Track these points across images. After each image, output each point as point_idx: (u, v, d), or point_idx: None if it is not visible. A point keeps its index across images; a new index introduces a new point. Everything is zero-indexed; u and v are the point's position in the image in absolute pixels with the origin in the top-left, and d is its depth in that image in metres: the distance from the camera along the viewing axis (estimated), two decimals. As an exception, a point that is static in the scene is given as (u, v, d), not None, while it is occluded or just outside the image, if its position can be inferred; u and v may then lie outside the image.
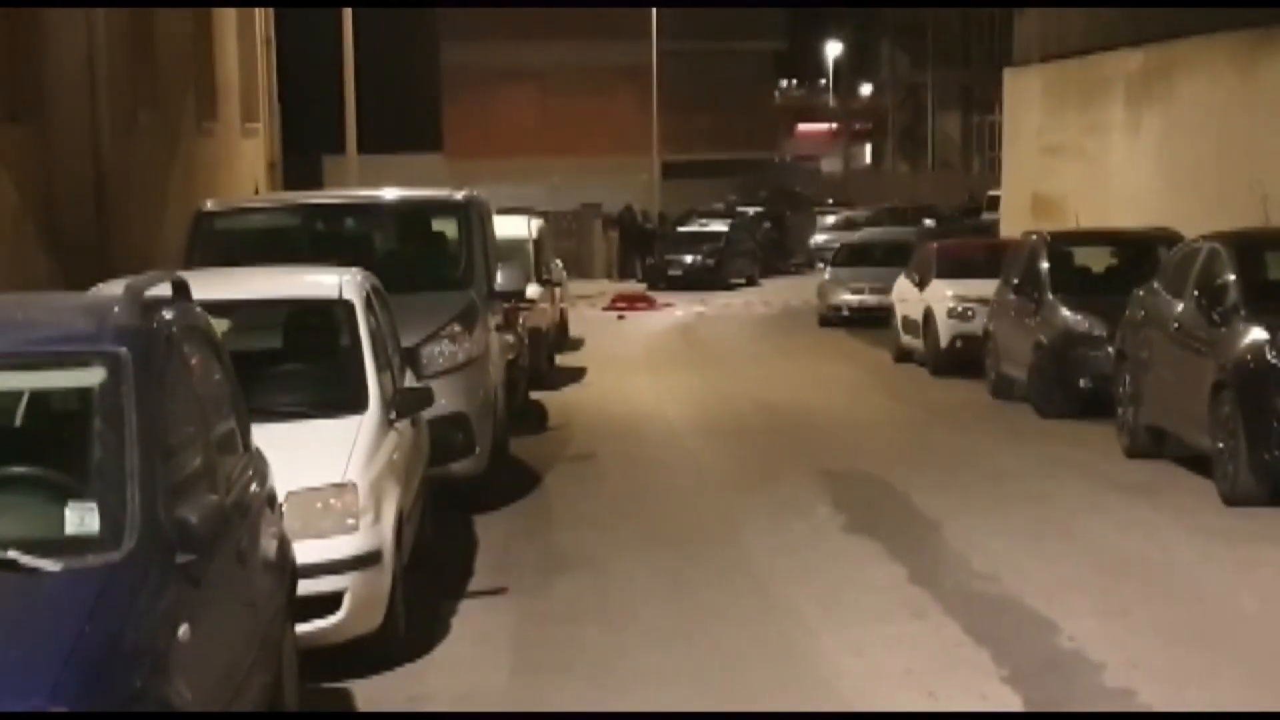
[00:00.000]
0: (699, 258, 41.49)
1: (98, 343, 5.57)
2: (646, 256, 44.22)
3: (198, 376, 6.34)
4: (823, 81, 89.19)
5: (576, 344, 26.70)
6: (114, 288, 8.52)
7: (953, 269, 21.92)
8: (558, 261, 27.40)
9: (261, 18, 25.68)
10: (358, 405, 8.86)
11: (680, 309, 34.63)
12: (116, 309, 5.82)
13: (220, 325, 8.69)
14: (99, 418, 5.38)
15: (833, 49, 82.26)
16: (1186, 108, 22.37)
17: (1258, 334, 11.75)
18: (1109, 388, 14.91)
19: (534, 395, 18.95)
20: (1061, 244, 18.38)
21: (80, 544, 5.05)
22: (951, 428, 16.55)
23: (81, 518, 5.15)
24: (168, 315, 6.15)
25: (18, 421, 5.84)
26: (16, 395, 5.79)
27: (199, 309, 6.77)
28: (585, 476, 14.11)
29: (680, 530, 11.59)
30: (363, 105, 27.80)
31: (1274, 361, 11.50)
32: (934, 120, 70.51)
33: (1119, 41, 25.20)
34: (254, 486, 6.73)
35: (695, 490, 13.39)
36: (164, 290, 6.42)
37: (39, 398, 5.85)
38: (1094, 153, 25.78)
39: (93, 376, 5.48)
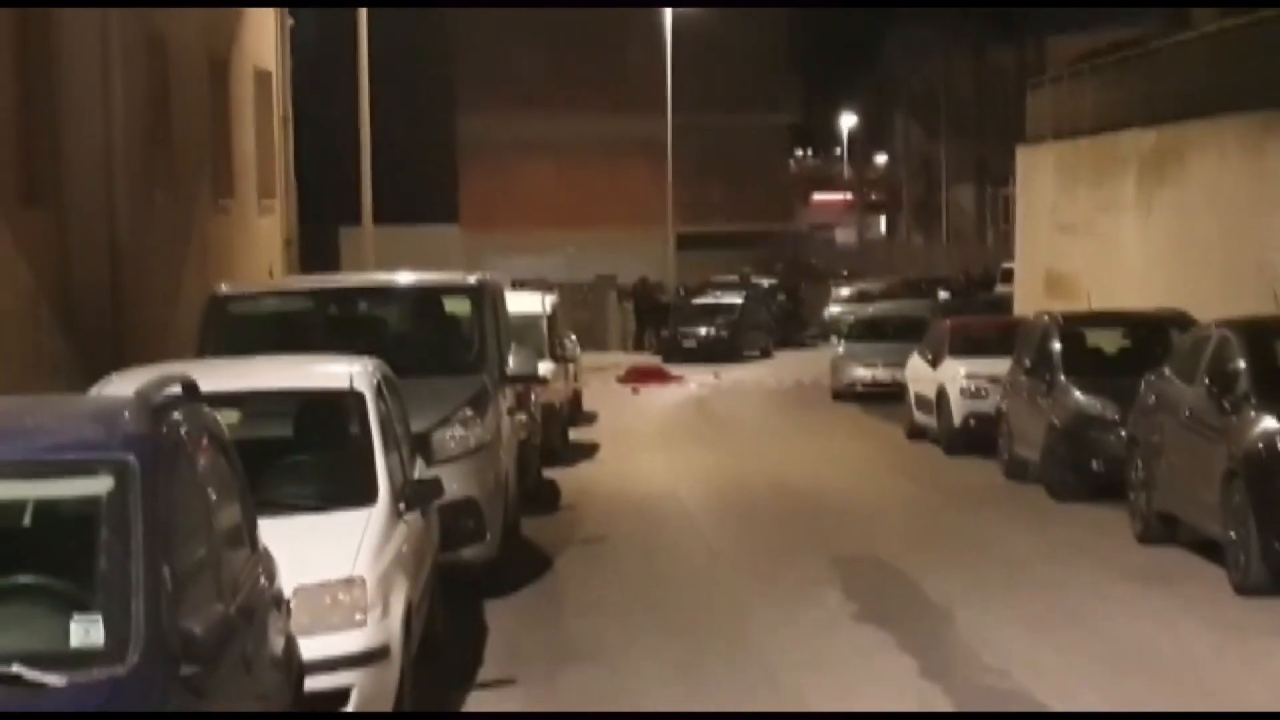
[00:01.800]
0: (713, 330, 41.53)
1: (106, 451, 5.57)
2: (661, 328, 44.31)
3: (206, 480, 6.34)
4: (838, 150, 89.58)
5: (590, 418, 26.71)
6: (125, 381, 8.61)
7: (966, 347, 21.95)
8: (572, 337, 27.41)
9: (279, 96, 25.85)
10: (367, 498, 8.85)
11: (694, 382, 34.65)
12: (126, 414, 5.83)
13: (230, 416, 8.76)
14: (106, 527, 5.37)
15: (847, 120, 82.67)
16: (1197, 188, 22.41)
17: (1269, 423, 11.73)
18: (1121, 470, 14.88)
19: (547, 472, 18.92)
20: (1073, 325, 18.39)
21: (85, 658, 5.05)
22: (964, 510, 16.51)
23: (86, 630, 5.14)
24: (177, 419, 6.16)
25: (25, 528, 5.83)
26: (23, 502, 5.79)
27: (208, 410, 6.78)
28: (597, 560, 14.07)
29: (691, 618, 11.56)
30: (379, 177, 27.94)
31: (1285, 452, 11.46)
32: (948, 192, 70.71)
33: (1131, 121, 25.29)
34: (261, 587, 6.72)
35: (707, 575, 13.35)
36: (174, 389, 6.44)
37: (47, 504, 5.85)
38: (1106, 231, 25.81)
39: (100, 485, 5.48)
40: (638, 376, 35.23)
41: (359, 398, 9.40)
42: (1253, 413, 11.98)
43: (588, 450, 22.36)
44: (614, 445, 23.07)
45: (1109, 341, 18.48)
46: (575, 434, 23.64)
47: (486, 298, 13.89)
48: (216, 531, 6.27)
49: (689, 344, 41.26)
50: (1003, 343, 20.29)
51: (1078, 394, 16.83)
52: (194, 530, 5.94)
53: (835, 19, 67.19)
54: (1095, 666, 9.82)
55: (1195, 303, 18.59)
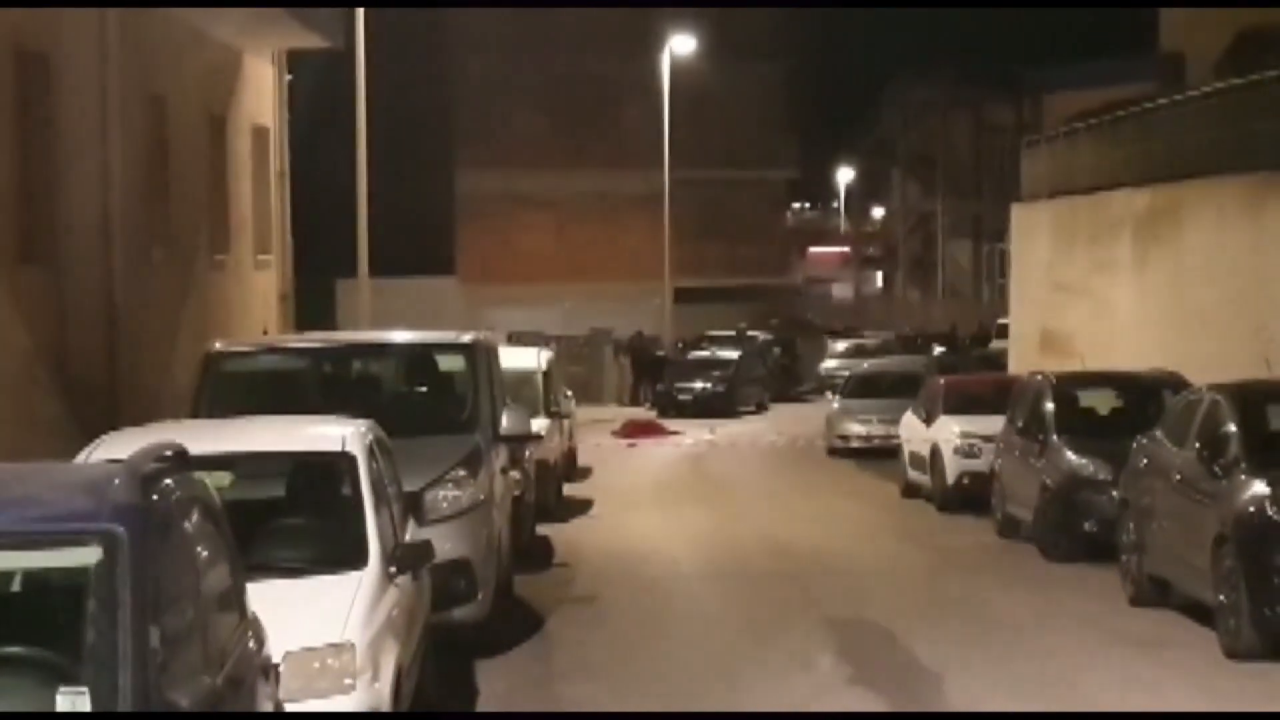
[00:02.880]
0: (709, 385, 41.52)
1: (95, 521, 5.59)
2: (657, 382, 44.33)
3: (195, 548, 6.37)
4: (835, 204, 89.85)
5: (585, 473, 26.70)
6: (116, 444, 8.65)
7: (960, 405, 21.97)
8: (568, 393, 27.47)
9: (277, 151, 25.98)
10: (358, 561, 8.86)
11: (689, 437, 34.64)
12: (115, 484, 5.85)
13: (222, 478, 8.80)
14: (94, 599, 5.39)
15: (845, 174, 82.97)
16: (1193, 249, 22.50)
17: (1259, 488, 11.76)
18: (1114, 531, 14.89)
19: (541, 529, 18.93)
20: (1066, 385, 18.44)
21: (72, 731, 5.06)
22: (957, 573, 16.50)
23: (73, 702, 5.15)
24: (167, 487, 6.19)
25: (13, 598, 5.85)
26: (12, 573, 5.81)
27: (199, 477, 6.82)
28: (589, 620, 14.06)
29: (683, 683, 11.54)
30: (377, 230, 27.99)
31: (1275, 517, 11.50)
32: (944, 247, 70.93)
33: (1127, 180, 25.40)
34: (249, 654, 6.74)
35: (700, 637, 13.34)
36: (165, 456, 6.47)
37: (35, 574, 5.87)
38: (1101, 291, 25.89)
39: (89, 556, 5.50)
40: (633, 431, 35.24)
41: (351, 460, 9.42)
42: (1243, 477, 12.02)
43: (582, 506, 22.35)
44: (608, 502, 23.06)
45: (1102, 402, 18.51)
46: (570, 490, 23.63)
47: (480, 356, 13.95)
48: (205, 600, 6.29)
49: (685, 398, 41.26)
50: (997, 401, 20.32)
51: (1070, 454, 16.86)
52: (182, 600, 5.95)
53: (833, 75, 67.58)
54: (1085, 734, 9.83)
55: (1190, 365, 18.65)
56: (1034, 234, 29.77)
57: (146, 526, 5.67)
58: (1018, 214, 31.17)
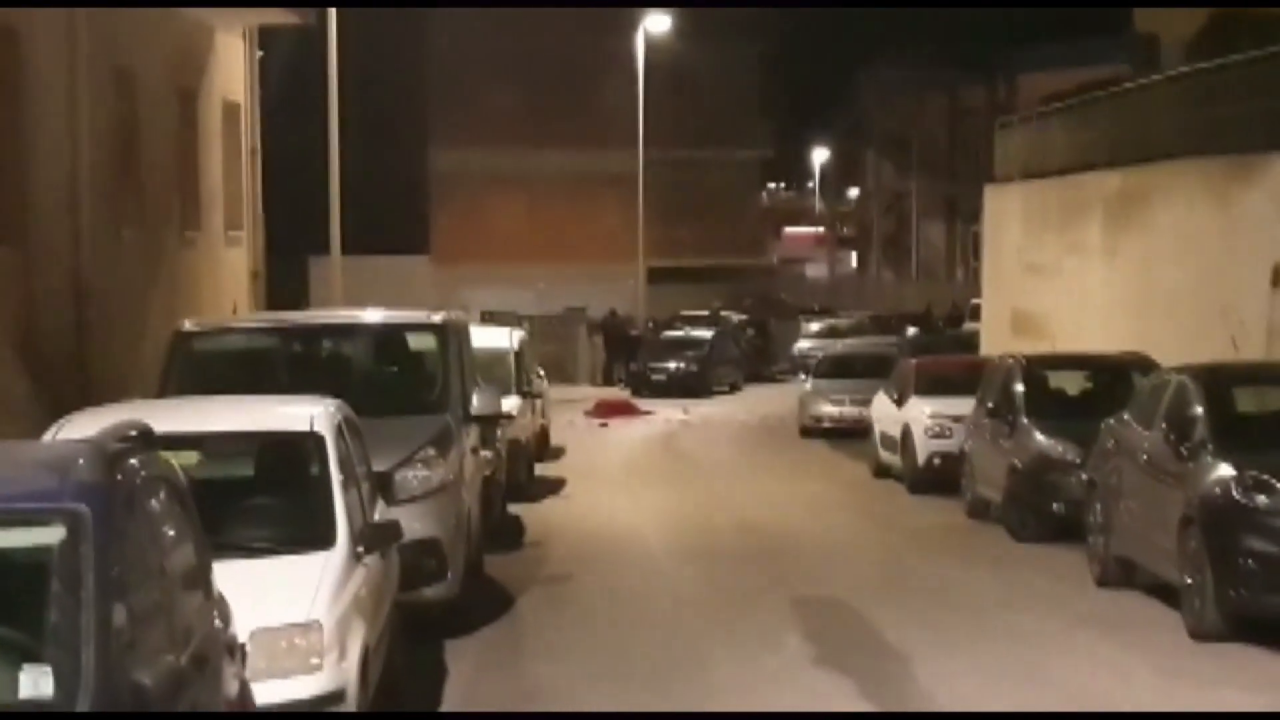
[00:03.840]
0: (682, 365, 41.61)
1: (59, 500, 5.59)
2: (630, 362, 44.38)
3: (161, 527, 6.38)
4: (810, 184, 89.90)
5: (558, 453, 26.74)
6: (83, 423, 8.64)
7: (931, 387, 22.06)
8: (540, 372, 27.51)
9: (248, 127, 25.89)
10: (325, 541, 8.86)
11: (662, 417, 34.68)
12: (79, 463, 5.86)
13: (189, 457, 8.80)
14: (57, 578, 5.39)
15: (820, 155, 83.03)
16: (1162, 232, 22.58)
17: (1224, 470, 11.84)
18: (1082, 512, 14.97)
19: (513, 508, 18.97)
20: (1036, 367, 18.53)
21: (34, 709, 5.07)
22: (926, 553, 16.57)
23: (36, 681, 5.16)
24: (132, 466, 6.20)
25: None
26: (-25, 552, 5.80)
27: (164, 456, 6.82)
28: (559, 600, 14.10)
29: (651, 663, 11.58)
30: (349, 208, 27.92)
31: (1240, 499, 11.58)
32: (918, 228, 71.04)
33: (1098, 162, 25.48)
34: (215, 633, 6.75)
35: (669, 618, 13.37)
36: (130, 435, 6.47)
37: (-1, 552, 5.87)
38: (1072, 273, 25.98)
39: (52, 535, 5.50)
40: (606, 411, 35.27)
41: (319, 440, 9.42)
42: (1209, 459, 12.09)
43: (554, 486, 22.39)
44: (581, 481, 23.09)
45: (1072, 384, 18.62)
46: (542, 469, 23.67)
47: (451, 336, 13.95)
48: (170, 579, 6.30)
49: (658, 378, 41.34)
50: (968, 382, 20.40)
51: (1039, 436, 16.94)
52: (147, 579, 5.96)
53: (809, 55, 67.54)
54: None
55: (1159, 347, 18.75)
56: (1006, 215, 29.85)
57: (111, 505, 5.68)
58: (990, 195, 31.23)
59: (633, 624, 13.08)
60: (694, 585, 14.96)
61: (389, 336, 14.36)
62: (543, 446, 25.40)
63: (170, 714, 5.61)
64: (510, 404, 19.33)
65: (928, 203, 69.91)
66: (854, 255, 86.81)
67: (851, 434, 26.91)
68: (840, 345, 36.92)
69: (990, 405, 18.43)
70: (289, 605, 8.13)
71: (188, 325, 13.97)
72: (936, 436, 20.91)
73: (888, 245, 77.34)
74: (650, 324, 50.03)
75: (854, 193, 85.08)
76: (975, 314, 38.85)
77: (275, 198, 29.45)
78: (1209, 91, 21.79)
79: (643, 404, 37.31)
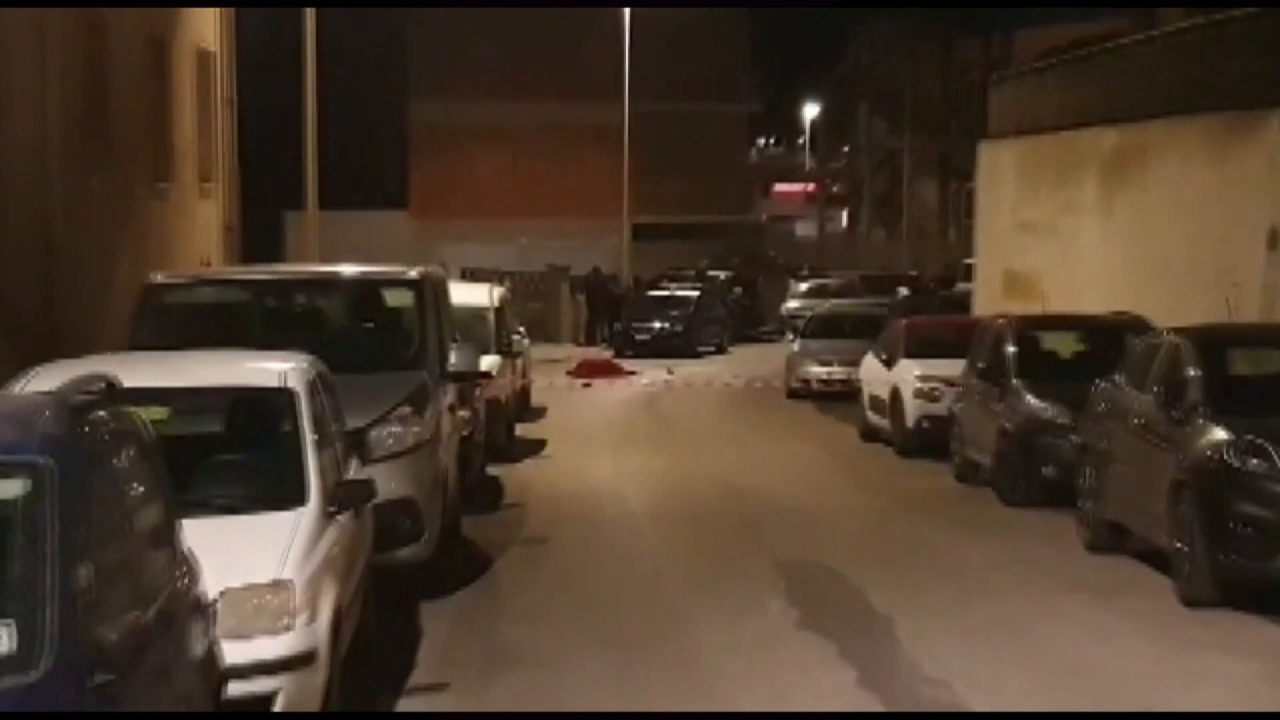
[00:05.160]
0: (667, 324, 41.64)
1: (21, 453, 5.60)
2: (614, 321, 44.37)
3: (126, 482, 6.39)
4: (800, 140, 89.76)
5: (539, 413, 26.76)
6: (48, 376, 8.63)
7: (921, 348, 22.08)
8: (521, 330, 27.51)
9: (221, 77, 25.79)
10: (297, 499, 8.89)
11: (646, 377, 34.71)
12: (43, 415, 5.87)
13: (158, 412, 8.81)
14: (19, 532, 5.41)
15: (810, 110, 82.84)
16: (1159, 191, 22.61)
17: (1218, 434, 11.88)
18: (1073, 476, 15.03)
19: (492, 469, 19.01)
20: (1028, 328, 18.57)
21: (-6, 663, 5.09)
22: (914, 517, 16.64)
23: (-3, 635, 5.18)
24: (98, 419, 6.21)
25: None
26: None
27: (131, 410, 6.83)
28: (537, 563, 14.15)
29: (631, 625, 11.63)
30: (327, 161, 27.88)
31: (1233, 463, 11.62)
32: (910, 187, 71.00)
33: (1094, 119, 25.48)
34: (182, 591, 6.77)
35: (650, 581, 13.42)
36: (96, 388, 6.48)
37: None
38: (1066, 232, 26.01)
39: (14, 489, 5.51)
40: (589, 371, 35.30)
41: (291, 396, 9.44)
42: (1202, 422, 12.13)
43: (534, 447, 22.42)
44: (562, 442, 23.13)
45: (1064, 345, 18.66)
46: (522, 429, 23.65)
47: (428, 291, 13.95)
48: (136, 535, 6.32)
49: (642, 338, 41.37)
50: (959, 344, 20.38)
51: (1030, 398, 16.99)
52: (112, 535, 5.98)
53: (798, 6, 67.32)
54: (1036, 681, 9.94)
55: (1154, 308, 18.79)
56: (1000, 173, 29.86)
57: (75, 459, 5.69)
58: (984, 152, 31.24)
59: (613, 587, 13.12)
60: (676, 548, 15.01)
61: (365, 291, 14.36)
62: (523, 406, 25.40)
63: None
64: (489, 362, 19.35)
65: (920, 160, 69.82)
66: (845, 213, 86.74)
67: (840, 396, 26.93)
68: (829, 305, 36.88)
69: (981, 367, 18.47)
70: (259, 564, 8.15)
71: (158, 278, 13.97)
72: (926, 399, 20.95)
73: (879, 203, 77.28)
74: (634, 282, 50.02)
75: (845, 150, 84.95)
76: (968, 274, 38.91)
77: (250, 150, 29.37)
78: (1209, 47, 21.78)
79: (626, 364, 37.33)
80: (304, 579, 8.21)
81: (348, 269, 14.68)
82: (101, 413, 6.31)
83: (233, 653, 7.61)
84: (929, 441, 20.52)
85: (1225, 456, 11.69)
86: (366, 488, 9.58)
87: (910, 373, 21.41)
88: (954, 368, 19.84)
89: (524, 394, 25.94)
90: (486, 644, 11.10)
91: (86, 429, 6.03)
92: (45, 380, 8.49)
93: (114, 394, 6.61)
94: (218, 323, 13.73)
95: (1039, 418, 16.76)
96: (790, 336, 36.27)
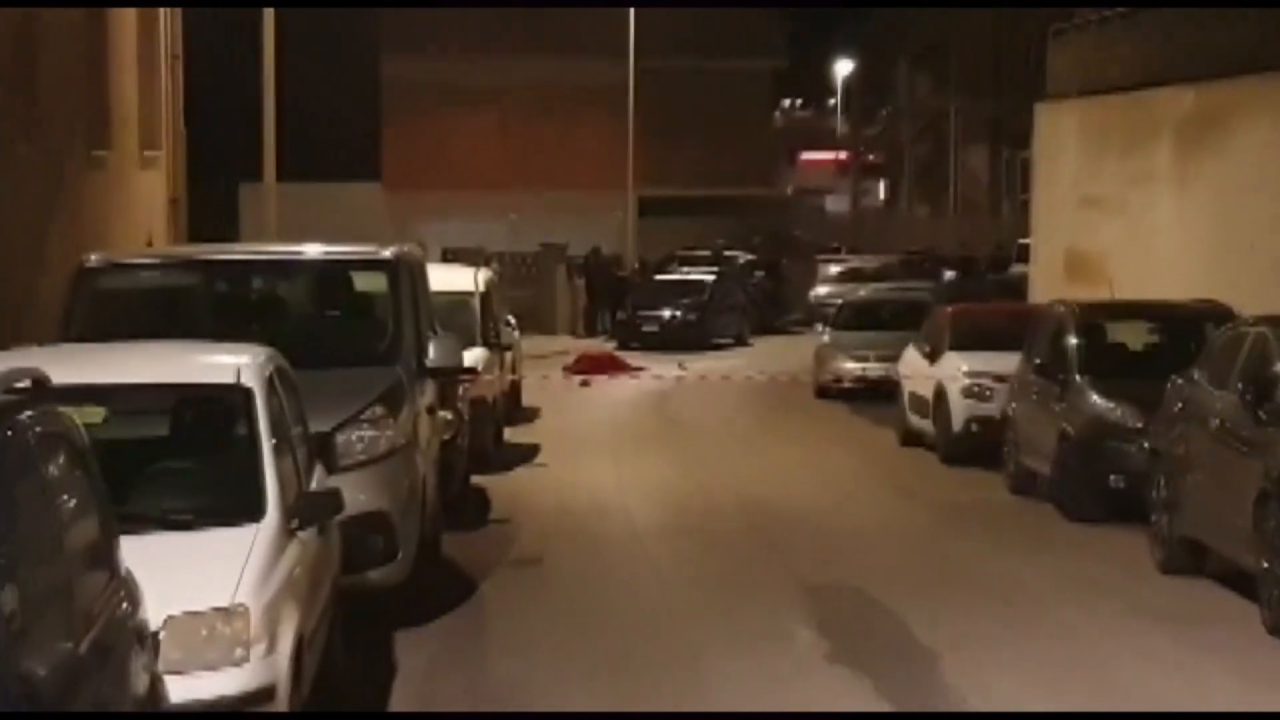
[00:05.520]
0: (679, 313, 41.75)
1: (-65, 460, 5.62)
2: (617, 309, 44.41)
3: (58, 495, 6.40)
4: (832, 102, 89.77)
5: (531, 415, 26.82)
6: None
7: (969, 339, 22.15)
8: (510, 319, 27.57)
9: (167, 31, 25.80)
10: (253, 512, 8.90)
11: (655, 374, 34.76)
12: (-38, 417, 5.87)
13: (95, 413, 8.82)
14: (-65, 552, 5.42)
15: (843, 68, 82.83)
16: (1244, 159, 22.57)
17: (1311, 438, 11.87)
18: (1143, 488, 15.03)
19: (477, 479, 19.03)
20: (1093, 317, 18.59)
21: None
22: (961, 532, 16.69)
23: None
24: (24, 422, 6.21)
25: None
26: None
27: (63, 410, 6.83)
28: (529, 586, 14.17)
29: (636, 660, 11.65)
30: (287, 126, 27.91)
31: (1330, 472, 11.61)
32: (958, 154, 70.95)
33: (1169, 77, 25.44)
34: (121, 617, 6.78)
35: (658, 608, 13.45)
36: (22, 386, 6.48)
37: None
38: (1137, 207, 26.00)
39: (-72, 501, 5.53)
40: (588, 366, 35.34)
41: (247, 394, 9.46)
42: (1293, 425, 12.13)
43: (526, 453, 22.48)
44: (557, 448, 23.17)
45: (1134, 337, 18.68)
46: (512, 434, 23.74)
47: (404, 274, 13.98)
48: (69, 555, 6.33)
49: (650, 329, 41.46)
50: (1013, 335, 20.43)
51: (1095, 398, 17.01)
52: (41, 555, 5.99)
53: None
54: (1102, 722, 9.97)
55: (1237, 294, 18.78)
56: (1061, 139, 29.83)
57: (-2, 467, 5.69)
58: (1042, 116, 31.21)
59: (616, 614, 13.14)
60: (688, 570, 15.02)
61: (331, 275, 14.37)
62: (513, 407, 25.48)
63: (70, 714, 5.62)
64: (474, 356, 19.40)
65: (969, 125, 69.77)
66: (882, 186, 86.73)
67: (876, 395, 26.96)
68: (864, 291, 36.91)
69: (1038, 362, 18.47)
70: (209, 587, 8.17)
71: (94, 259, 13.98)
72: (975, 398, 20.98)
73: (921, 174, 77.25)
74: (640, 264, 50.02)
75: (883, 113, 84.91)
76: (1023, 255, 38.89)
77: (200, 114, 29.38)
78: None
79: (631, 359, 37.38)
80: (261, 604, 8.23)
81: (311, 249, 14.70)
82: (28, 414, 6.31)
83: (179, 689, 7.64)
84: (978, 447, 20.56)
85: (1320, 464, 11.67)
86: (333, 500, 9.59)
87: (957, 368, 21.44)
88: (1007, 362, 19.84)
89: (514, 393, 26.01)
90: (470, 680, 11.12)
91: (11, 432, 6.04)
92: (-36, 376, 8.52)
93: (43, 392, 6.62)
94: (162, 310, 13.78)
95: (1105, 420, 16.76)
96: (819, 327, 36.31)
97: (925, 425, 22.38)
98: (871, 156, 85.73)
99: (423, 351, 13.83)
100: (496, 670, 11.39)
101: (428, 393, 14.11)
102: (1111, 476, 16.49)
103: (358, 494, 11.23)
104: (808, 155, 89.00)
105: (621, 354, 38.60)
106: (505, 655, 11.79)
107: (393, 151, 57.95)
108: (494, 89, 58.26)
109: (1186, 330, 17.65)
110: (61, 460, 6.57)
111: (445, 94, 57.89)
